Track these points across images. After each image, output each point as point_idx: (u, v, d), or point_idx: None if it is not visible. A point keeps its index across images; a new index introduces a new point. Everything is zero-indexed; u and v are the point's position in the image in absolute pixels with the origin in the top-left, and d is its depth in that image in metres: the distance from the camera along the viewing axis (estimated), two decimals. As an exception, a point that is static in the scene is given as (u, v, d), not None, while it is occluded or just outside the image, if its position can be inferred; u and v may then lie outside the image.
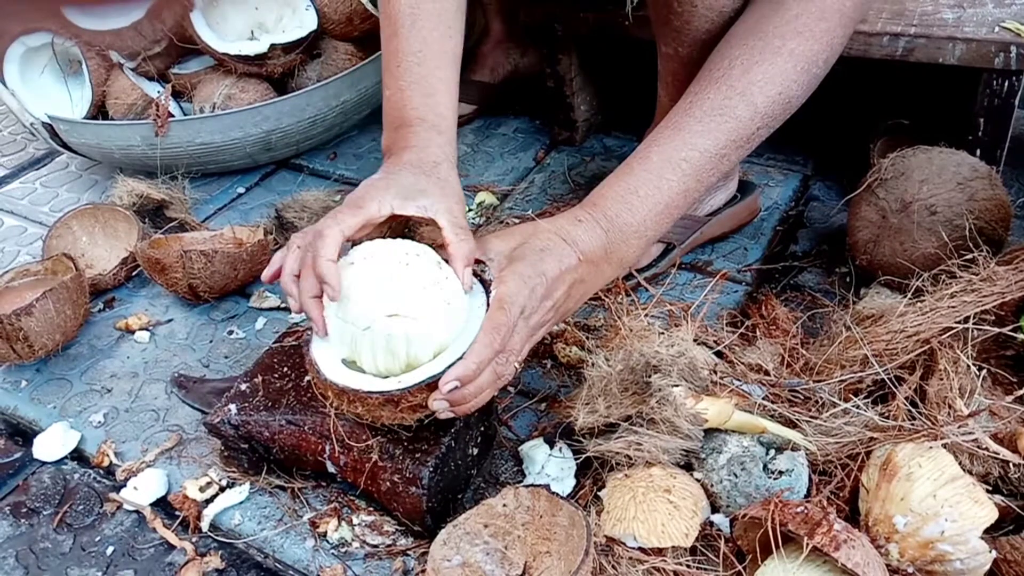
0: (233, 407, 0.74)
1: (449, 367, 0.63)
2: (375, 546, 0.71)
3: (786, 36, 0.72)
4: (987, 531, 0.59)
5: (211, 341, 0.95)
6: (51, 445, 0.83)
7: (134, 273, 1.05)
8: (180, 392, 0.88)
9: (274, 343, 0.82)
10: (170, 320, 0.99)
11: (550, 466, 0.75)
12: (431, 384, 0.64)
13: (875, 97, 1.17)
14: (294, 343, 0.81)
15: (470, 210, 1.14)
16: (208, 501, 0.76)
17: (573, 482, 0.74)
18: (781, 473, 0.64)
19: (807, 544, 0.55)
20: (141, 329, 0.97)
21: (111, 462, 0.81)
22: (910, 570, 0.60)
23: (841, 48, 0.75)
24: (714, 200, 1.01)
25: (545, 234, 0.69)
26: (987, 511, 0.57)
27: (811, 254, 1.02)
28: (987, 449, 0.64)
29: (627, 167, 0.73)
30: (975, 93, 0.94)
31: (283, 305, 0.99)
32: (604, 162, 1.23)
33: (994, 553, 0.59)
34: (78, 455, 0.84)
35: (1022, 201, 1.02)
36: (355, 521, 0.73)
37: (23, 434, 0.87)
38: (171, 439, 0.82)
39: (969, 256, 0.77)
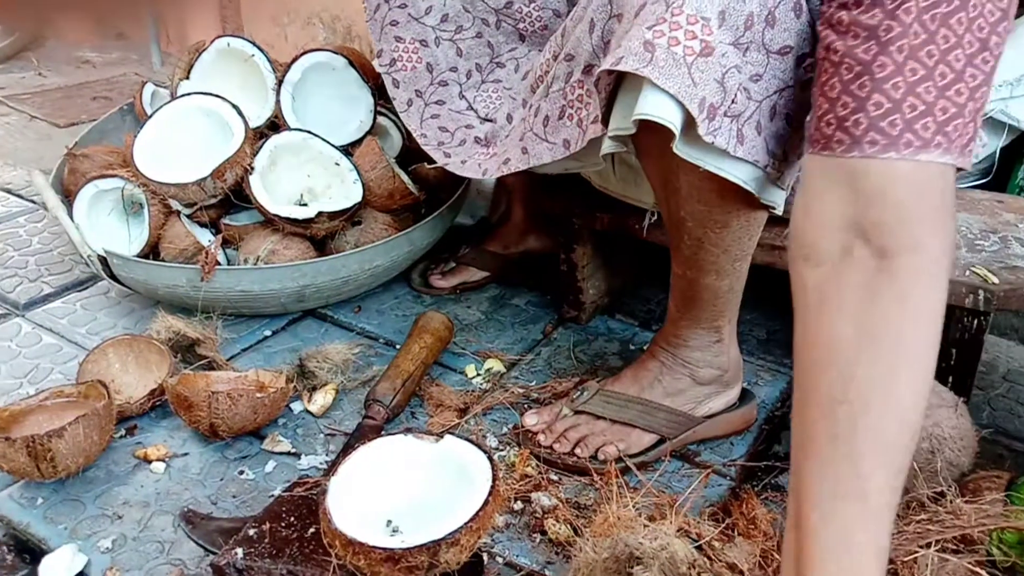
0: (240, 551, 0.79)
1: (452, 533, 0.70)
2: None
3: (908, 323, 0.62)
4: None
5: (222, 479, 1.01)
6: (58, 567, 0.87)
7: (159, 404, 1.12)
8: (187, 527, 0.92)
9: (283, 491, 0.88)
10: (186, 454, 1.05)
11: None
12: (431, 547, 0.70)
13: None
14: (303, 493, 0.87)
15: (478, 375, 1.22)
16: (201, 640, 0.79)
17: (551, 662, 0.77)
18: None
19: None
20: (158, 460, 1.03)
21: (113, 590, 0.85)
22: None
23: None
24: (713, 404, 1.08)
25: None
26: None
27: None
28: (940, 673, 0.68)
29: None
30: (948, 327, 1.04)
31: (294, 450, 1.06)
32: (607, 343, 1.32)
33: None
34: (82, 579, 0.87)
35: (991, 430, 1.09)
36: (339, 676, 0.76)
37: (31, 552, 0.91)
38: (173, 573, 0.86)
39: (938, 487, 0.84)
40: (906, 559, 0.76)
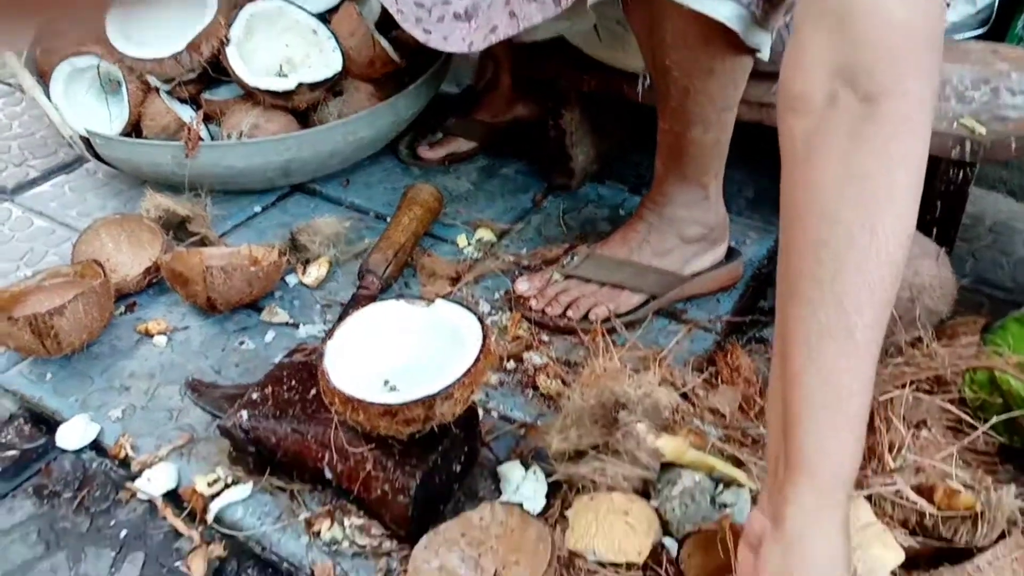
0: (245, 413, 0.83)
1: (446, 388, 0.73)
2: (363, 547, 0.79)
3: (892, 167, 0.62)
4: (906, 568, 0.68)
5: (223, 350, 1.04)
6: (72, 435, 0.91)
7: (155, 281, 1.13)
8: (193, 395, 0.96)
9: (284, 358, 0.90)
10: (186, 327, 1.07)
11: (524, 486, 0.84)
12: (426, 401, 0.73)
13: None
14: (302, 359, 0.90)
15: (469, 244, 1.24)
16: (214, 496, 0.84)
17: (544, 502, 0.82)
18: (725, 506, 0.73)
19: None
20: (159, 334, 1.05)
21: (127, 454, 0.89)
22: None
23: None
24: (700, 262, 1.10)
25: None
26: (894, 555, 0.66)
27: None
28: (907, 499, 0.73)
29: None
30: (933, 179, 1.04)
31: (291, 321, 1.08)
32: (596, 209, 1.32)
33: (902, 591, 0.68)
34: (96, 446, 0.91)
35: (973, 279, 1.12)
36: (346, 523, 0.81)
37: (46, 422, 0.95)
38: (183, 437, 0.91)
39: (916, 334, 0.87)
40: (882, 399, 0.80)
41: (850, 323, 0.61)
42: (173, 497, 0.85)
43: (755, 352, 1.03)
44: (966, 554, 0.71)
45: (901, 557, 0.67)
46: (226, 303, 1.05)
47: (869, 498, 0.71)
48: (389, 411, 0.74)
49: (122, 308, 1.10)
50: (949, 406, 0.82)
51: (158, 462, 0.88)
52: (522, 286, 1.10)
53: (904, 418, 0.80)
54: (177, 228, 1.18)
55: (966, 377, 0.86)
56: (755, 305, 1.13)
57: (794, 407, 0.62)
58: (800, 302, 0.63)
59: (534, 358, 1.02)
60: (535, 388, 0.98)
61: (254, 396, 0.84)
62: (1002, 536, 0.70)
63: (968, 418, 0.82)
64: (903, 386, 0.82)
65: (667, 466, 0.77)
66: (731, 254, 1.13)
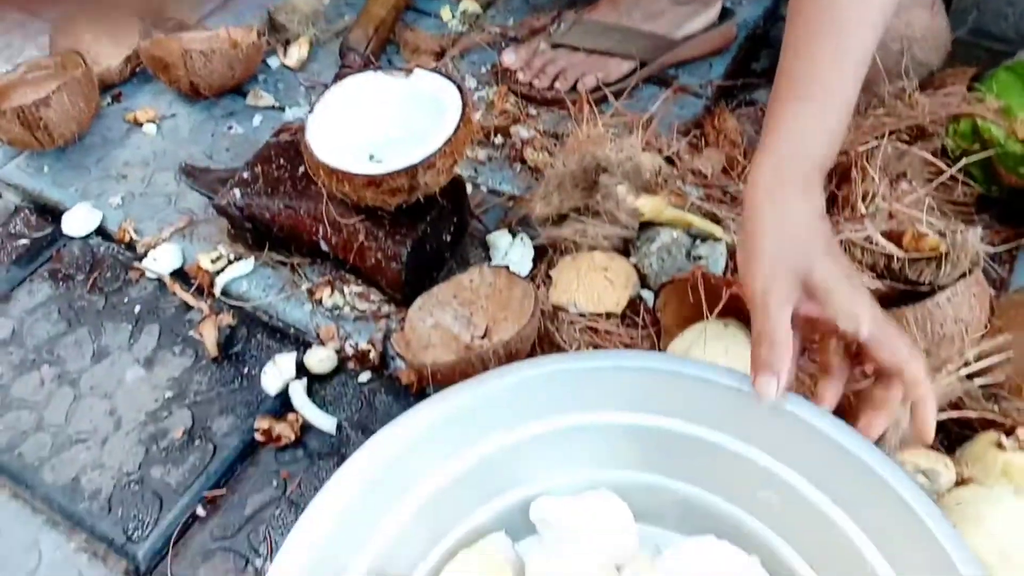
0: (237, 191, 0.85)
1: (427, 157, 0.74)
2: (362, 311, 0.85)
3: None
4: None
5: (212, 135, 1.05)
6: (77, 222, 0.95)
7: (138, 69, 1.12)
8: (188, 180, 0.98)
9: (271, 137, 0.91)
10: (174, 115, 1.07)
11: (512, 252, 0.87)
12: (409, 171, 0.75)
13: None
14: (289, 138, 0.90)
15: (453, 17, 1.20)
16: (219, 272, 0.88)
17: (530, 266, 0.86)
18: (700, 258, 0.77)
19: (726, 292, 0.67)
20: (148, 122, 1.06)
21: (132, 238, 0.93)
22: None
23: None
24: (692, 24, 1.07)
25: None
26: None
27: (769, 72, 1.09)
28: (876, 244, 0.76)
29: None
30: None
31: (277, 104, 1.08)
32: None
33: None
34: (102, 232, 0.95)
35: (969, 29, 1.08)
36: (346, 291, 0.86)
37: (51, 212, 0.98)
38: (183, 220, 0.94)
39: (900, 84, 0.86)
40: (860, 149, 0.81)
41: (841, 19, 0.62)
42: (180, 275, 0.90)
43: (744, 116, 1.02)
44: (929, 295, 0.75)
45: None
46: (209, 87, 1.05)
47: (839, 244, 0.74)
48: (373, 181, 0.76)
49: (108, 99, 1.10)
50: (930, 156, 0.82)
51: (162, 243, 0.91)
52: (508, 58, 1.08)
53: (884, 169, 0.82)
54: (154, 15, 1.15)
55: (949, 128, 0.86)
56: (748, 68, 1.11)
57: (774, 94, 0.64)
58: (801, 30, 0.65)
59: (521, 132, 1.02)
60: (523, 161, 0.99)
61: (245, 175, 0.86)
62: (963, 276, 0.74)
63: (948, 169, 0.83)
64: (882, 136, 0.82)
65: (646, 225, 0.80)
66: (725, 15, 1.09)
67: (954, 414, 0.70)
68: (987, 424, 0.71)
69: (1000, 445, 0.68)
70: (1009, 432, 0.69)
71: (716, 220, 0.81)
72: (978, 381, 0.71)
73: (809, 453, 0.56)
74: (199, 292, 0.88)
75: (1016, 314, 0.74)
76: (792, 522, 0.59)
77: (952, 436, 0.71)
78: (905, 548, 0.52)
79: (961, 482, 0.68)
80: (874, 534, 0.55)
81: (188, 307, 0.87)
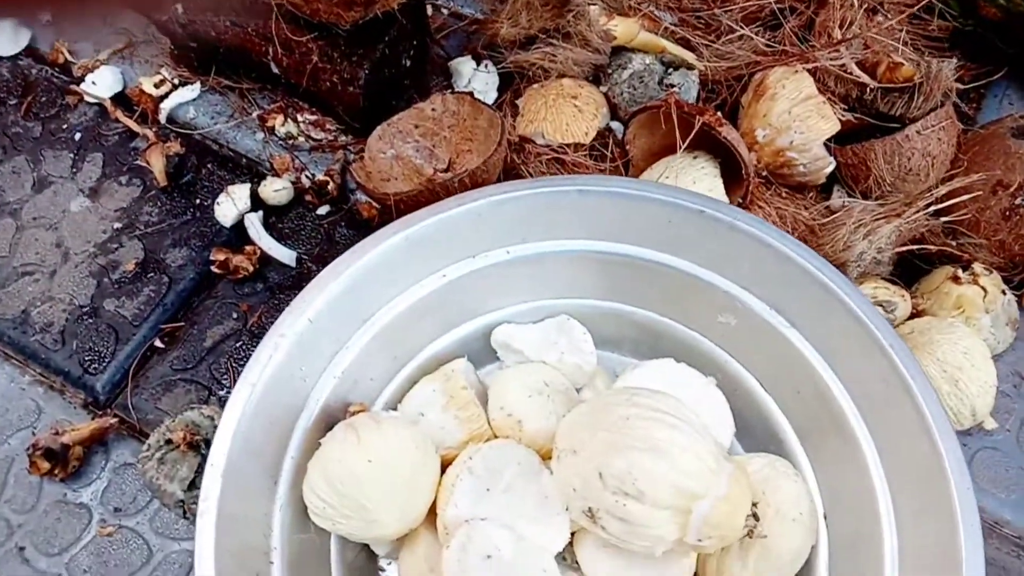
0: (180, 7, 0.79)
1: None
2: (318, 140, 0.81)
3: None
4: (838, 142, 0.71)
5: (148, -52, 0.96)
6: (4, 42, 0.87)
7: None
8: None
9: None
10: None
11: (476, 79, 0.83)
12: None
13: None
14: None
15: None
16: (163, 97, 0.83)
17: (496, 95, 0.83)
18: (672, 86, 0.74)
19: (698, 121, 0.65)
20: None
21: (66, 59, 0.86)
22: (763, 174, 0.72)
23: None
24: None
25: None
26: (830, 125, 0.68)
27: None
28: (850, 73, 0.73)
29: None
30: None
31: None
32: None
33: (833, 160, 0.71)
34: (33, 53, 0.88)
35: None
36: (300, 119, 0.82)
37: (-27, 31, 0.90)
38: (122, 40, 0.87)
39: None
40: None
41: None
42: (122, 100, 0.84)
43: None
44: (898, 130, 0.73)
45: (836, 127, 0.69)
46: None
47: (813, 73, 0.72)
48: (327, -7, 0.70)
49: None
50: (912, -15, 0.79)
51: (100, 66, 0.85)
52: None
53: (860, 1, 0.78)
54: None
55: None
56: None
57: None
58: None
59: (486, -52, 0.94)
60: (487, -18, 0.92)
61: (185, -10, 0.79)
62: (934, 108, 0.72)
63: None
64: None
65: (618, 51, 0.76)
66: None
67: (915, 248, 0.70)
68: (946, 258, 0.72)
69: (956, 278, 0.69)
70: (966, 266, 0.70)
71: (689, 47, 0.77)
72: (943, 219, 0.71)
73: (768, 275, 0.57)
74: (143, 118, 0.83)
75: (980, 150, 0.73)
76: (748, 344, 0.60)
77: (911, 270, 0.72)
78: (856, 362, 0.54)
79: (917, 314, 0.70)
80: (827, 354, 0.56)
81: (132, 134, 0.82)
